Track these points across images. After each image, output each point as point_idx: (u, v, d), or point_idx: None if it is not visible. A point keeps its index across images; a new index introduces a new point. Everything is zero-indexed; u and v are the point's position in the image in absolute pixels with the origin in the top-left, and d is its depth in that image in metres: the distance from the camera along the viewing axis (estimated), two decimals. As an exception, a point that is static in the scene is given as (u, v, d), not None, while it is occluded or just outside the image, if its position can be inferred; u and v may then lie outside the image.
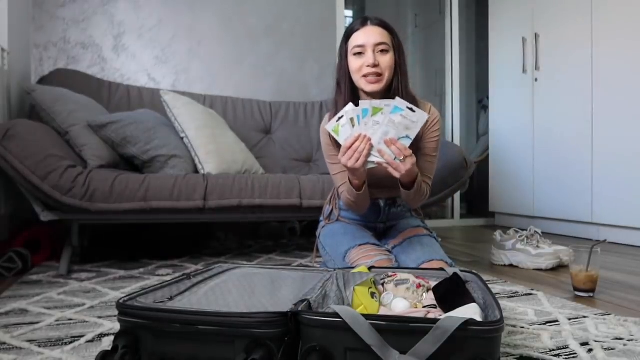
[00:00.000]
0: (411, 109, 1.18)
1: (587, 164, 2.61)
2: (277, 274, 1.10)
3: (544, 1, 2.90)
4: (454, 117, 3.61)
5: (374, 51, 1.29)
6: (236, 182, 1.83)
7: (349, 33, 1.34)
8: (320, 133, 1.47)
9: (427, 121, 1.38)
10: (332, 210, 1.54)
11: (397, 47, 1.33)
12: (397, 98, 1.19)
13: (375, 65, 1.29)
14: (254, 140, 2.55)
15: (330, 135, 1.34)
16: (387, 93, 1.34)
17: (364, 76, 1.31)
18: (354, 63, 1.32)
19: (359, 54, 1.31)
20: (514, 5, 3.16)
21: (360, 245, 1.35)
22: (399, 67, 1.33)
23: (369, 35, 1.30)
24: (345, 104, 1.28)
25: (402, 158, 1.18)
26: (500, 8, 3.29)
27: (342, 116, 1.21)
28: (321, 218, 1.60)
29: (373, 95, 1.33)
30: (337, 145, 1.28)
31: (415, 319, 0.73)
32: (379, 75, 1.30)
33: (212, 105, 2.53)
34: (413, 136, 1.19)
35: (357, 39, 1.31)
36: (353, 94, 1.35)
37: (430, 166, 1.42)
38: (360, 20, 1.33)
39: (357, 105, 1.22)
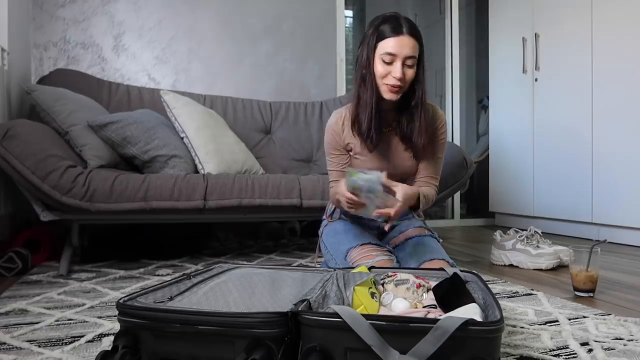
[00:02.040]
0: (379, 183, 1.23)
1: (587, 164, 2.61)
2: (277, 274, 1.10)
3: (544, 1, 2.90)
4: (454, 117, 3.61)
5: (402, 64, 1.29)
6: (236, 182, 1.83)
7: (381, 34, 1.30)
8: (326, 129, 1.48)
9: (438, 124, 1.45)
10: (334, 208, 1.55)
11: (422, 58, 1.34)
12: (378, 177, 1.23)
13: (400, 79, 1.29)
14: (254, 140, 2.55)
15: (334, 135, 1.44)
16: (403, 100, 1.37)
17: (386, 84, 1.31)
18: (380, 68, 1.31)
19: (388, 62, 1.30)
20: (514, 5, 3.16)
21: (361, 245, 1.35)
22: (423, 77, 1.35)
23: (402, 47, 1.28)
24: (371, 102, 1.33)
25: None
26: (500, 8, 3.29)
27: (363, 190, 1.22)
28: (324, 217, 1.60)
29: (389, 102, 1.36)
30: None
31: (415, 319, 0.73)
32: (401, 87, 1.32)
33: (212, 105, 2.53)
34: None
35: (389, 45, 1.28)
36: (377, 94, 1.35)
37: (438, 167, 1.48)
38: (395, 26, 1.29)
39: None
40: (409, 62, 1.29)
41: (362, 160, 1.43)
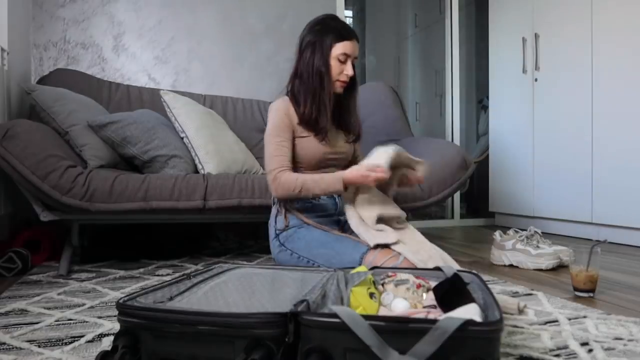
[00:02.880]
0: None
1: (587, 164, 2.61)
2: (277, 274, 1.10)
3: (544, 1, 2.90)
4: (454, 117, 3.61)
5: (352, 63, 1.53)
6: (236, 182, 1.83)
7: (338, 36, 1.50)
8: (273, 111, 1.55)
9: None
10: (285, 216, 1.54)
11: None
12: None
13: (352, 76, 1.53)
14: (254, 140, 2.55)
15: (287, 117, 1.52)
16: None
17: (339, 81, 1.53)
18: (336, 66, 1.51)
19: (343, 61, 1.51)
20: (514, 5, 3.16)
21: (374, 246, 1.36)
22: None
23: (354, 49, 1.52)
24: (330, 99, 1.52)
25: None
26: (500, 8, 3.29)
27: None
28: (274, 232, 1.56)
29: (335, 95, 1.56)
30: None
31: (414, 320, 0.73)
32: (347, 82, 1.54)
33: (212, 105, 2.53)
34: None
35: (346, 47, 1.50)
36: (332, 91, 1.55)
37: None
38: (350, 32, 1.52)
39: None
40: (354, 61, 1.54)
41: (309, 140, 1.54)
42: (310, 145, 1.54)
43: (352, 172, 1.42)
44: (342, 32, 1.50)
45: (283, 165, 1.48)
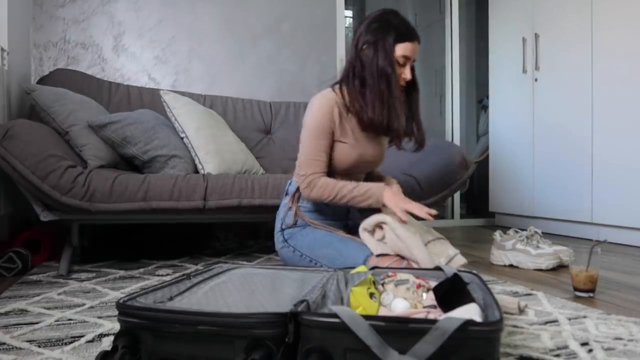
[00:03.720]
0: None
1: (587, 164, 2.61)
2: (277, 274, 1.10)
3: (544, 1, 2.90)
4: (454, 117, 3.61)
5: (411, 67, 1.43)
6: (236, 182, 1.83)
7: (400, 37, 1.39)
8: (316, 107, 1.46)
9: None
10: (296, 213, 1.52)
11: None
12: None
13: (408, 80, 1.43)
14: (254, 140, 2.55)
15: (329, 119, 1.44)
16: None
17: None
18: (396, 69, 1.41)
19: (402, 64, 1.41)
20: (514, 5, 3.16)
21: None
22: None
23: (414, 52, 1.41)
24: (400, 102, 1.42)
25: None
26: (500, 8, 3.29)
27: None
28: (280, 225, 1.54)
29: None
30: None
31: (414, 320, 0.73)
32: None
33: (212, 105, 2.53)
34: None
35: (407, 49, 1.39)
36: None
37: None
38: (412, 32, 1.40)
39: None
40: (412, 64, 1.44)
41: (350, 144, 1.48)
42: (345, 152, 1.47)
43: (391, 199, 1.35)
44: (404, 32, 1.39)
45: (319, 171, 1.43)
